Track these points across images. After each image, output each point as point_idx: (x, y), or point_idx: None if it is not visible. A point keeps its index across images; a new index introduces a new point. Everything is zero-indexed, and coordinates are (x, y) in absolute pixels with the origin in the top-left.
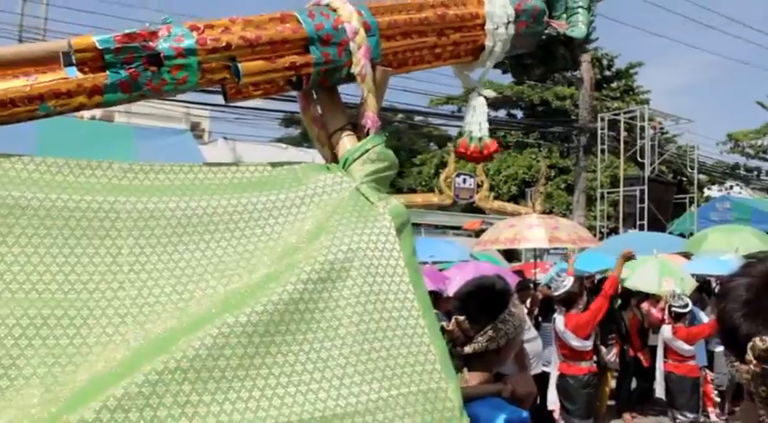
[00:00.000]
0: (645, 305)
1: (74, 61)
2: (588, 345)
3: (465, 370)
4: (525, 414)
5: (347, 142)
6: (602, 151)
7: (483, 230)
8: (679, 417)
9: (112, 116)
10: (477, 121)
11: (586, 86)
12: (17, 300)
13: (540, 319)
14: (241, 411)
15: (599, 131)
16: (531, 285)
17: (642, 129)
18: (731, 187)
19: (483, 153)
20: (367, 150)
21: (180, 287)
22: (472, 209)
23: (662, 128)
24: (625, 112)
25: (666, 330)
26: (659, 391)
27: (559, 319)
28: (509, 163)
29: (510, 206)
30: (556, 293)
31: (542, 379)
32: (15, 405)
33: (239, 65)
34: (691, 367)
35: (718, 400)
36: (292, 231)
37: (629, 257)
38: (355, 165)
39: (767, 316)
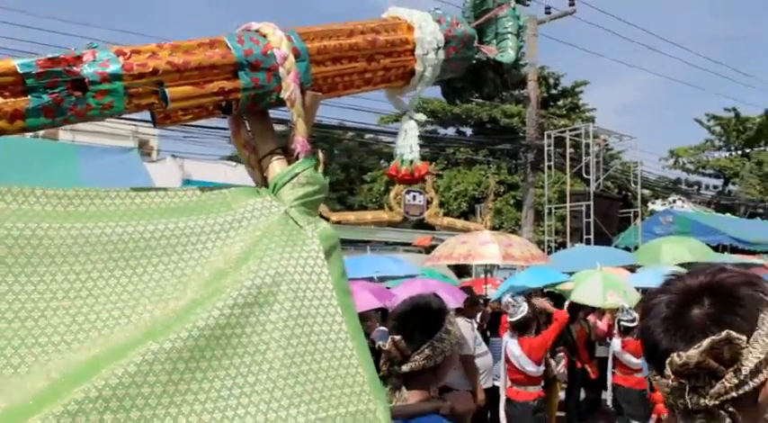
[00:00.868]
0: (591, 318)
1: None
2: (541, 370)
3: (404, 389)
4: None
5: (277, 166)
6: (549, 167)
7: (434, 246)
8: None
9: (57, 134)
10: (408, 144)
11: (533, 104)
12: None
13: (488, 333)
14: None
15: (545, 148)
16: (482, 301)
17: (587, 145)
18: (674, 201)
19: (414, 175)
20: (296, 174)
21: (116, 312)
22: (423, 225)
23: (607, 145)
24: (571, 130)
25: (616, 344)
26: (609, 401)
27: (513, 343)
28: (459, 180)
29: (460, 222)
30: (512, 319)
31: (494, 393)
32: None
33: (166, 90)
34: (638, 380)
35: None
36: (220, 256)
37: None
38: (285, 189)
39: (685, 332)
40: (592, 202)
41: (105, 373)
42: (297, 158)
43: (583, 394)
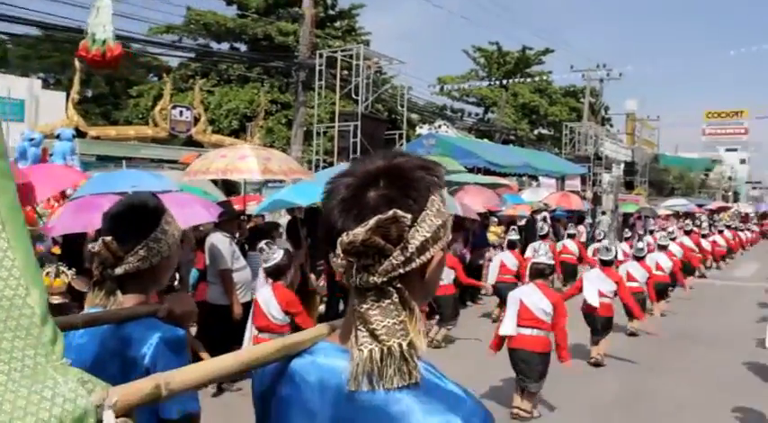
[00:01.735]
0: None
1: None
2: (288, 320)
3: (119, 293)
4: (182, 332)
5: None
6: (321, 87)
7: None
8: None
9: None
10: (100, 22)
11: (307, 22)
12: None
13: (247, 247)
14: None
15: (317, 68)
16: (245, 217)
17: (358, 67)
18: (439, 126)
19: (105, 57)
20: None
21: None
22: (192, 143)
23: (380, 68)
24: (342, 51)
25: None
26: None
27: (266, 290)
28: (231, 97)
29: (229, 140)
30: (265, 265)
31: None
32: None
33: None
34: None
35: None
36: None
37: None
38: None
39: (358, 213)
40: (359, 123)
41: None
42: None
43: (342, 305)
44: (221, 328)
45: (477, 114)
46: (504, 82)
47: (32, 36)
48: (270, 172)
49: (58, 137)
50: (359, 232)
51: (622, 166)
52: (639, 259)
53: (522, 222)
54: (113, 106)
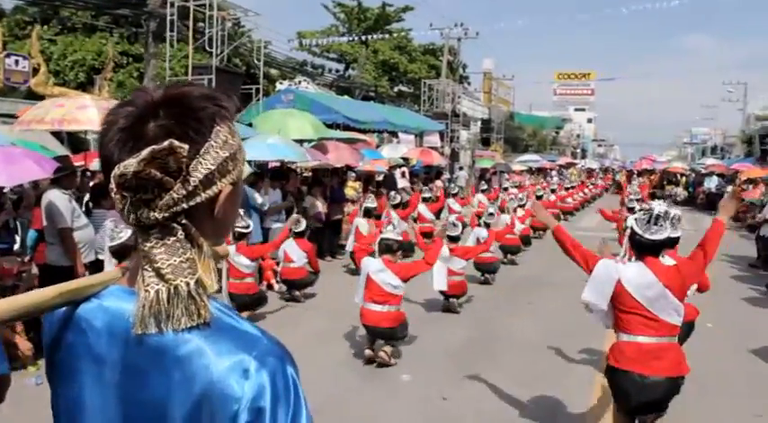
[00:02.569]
0: None
1: None
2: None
3: None
4: None
5: None
6: (173, 39)
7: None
8: None
9: None
10: None
11: None
12: None
13: (91, 205)
14: None
15: (168, 17)
16: (89, 173)
17: (212, 17)
18: (299, 82)
19: None
20: None
21: None
22: (33, 96)
23: (237, 20)
24: (195, 0)
25: (231, 250)
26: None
27: (109, 268)
28: (76, 47)
29: (74, 93)
30: (110, 244)
31: (97, 267)
32: None
33: None
34: (249, 285)
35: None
36: None
37: None
38: None
39: (134, 144)
40: (214, 76)
41: None
42: None
43: None
44: None
45: (337, 71)
46: (365, 38)
47: None
48: None
49: None
50: (130, 163)
51: (479, 123)
52: (488, 226)
53: (380, 178)
54: None
